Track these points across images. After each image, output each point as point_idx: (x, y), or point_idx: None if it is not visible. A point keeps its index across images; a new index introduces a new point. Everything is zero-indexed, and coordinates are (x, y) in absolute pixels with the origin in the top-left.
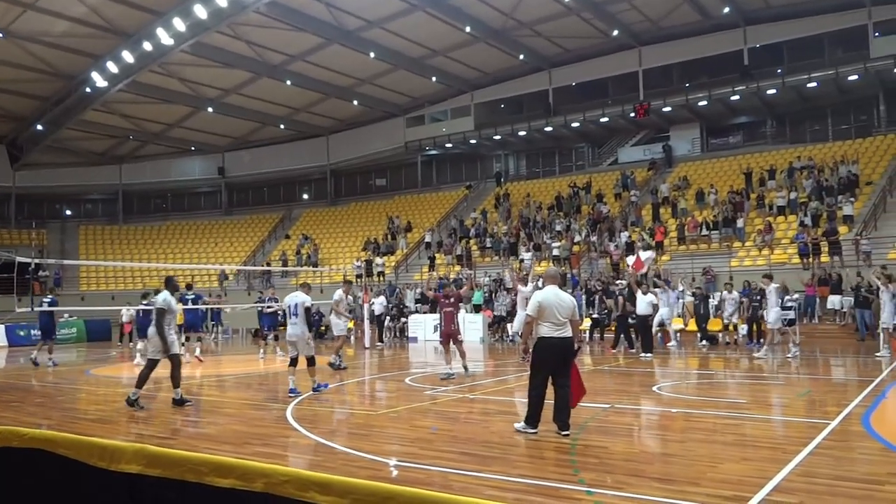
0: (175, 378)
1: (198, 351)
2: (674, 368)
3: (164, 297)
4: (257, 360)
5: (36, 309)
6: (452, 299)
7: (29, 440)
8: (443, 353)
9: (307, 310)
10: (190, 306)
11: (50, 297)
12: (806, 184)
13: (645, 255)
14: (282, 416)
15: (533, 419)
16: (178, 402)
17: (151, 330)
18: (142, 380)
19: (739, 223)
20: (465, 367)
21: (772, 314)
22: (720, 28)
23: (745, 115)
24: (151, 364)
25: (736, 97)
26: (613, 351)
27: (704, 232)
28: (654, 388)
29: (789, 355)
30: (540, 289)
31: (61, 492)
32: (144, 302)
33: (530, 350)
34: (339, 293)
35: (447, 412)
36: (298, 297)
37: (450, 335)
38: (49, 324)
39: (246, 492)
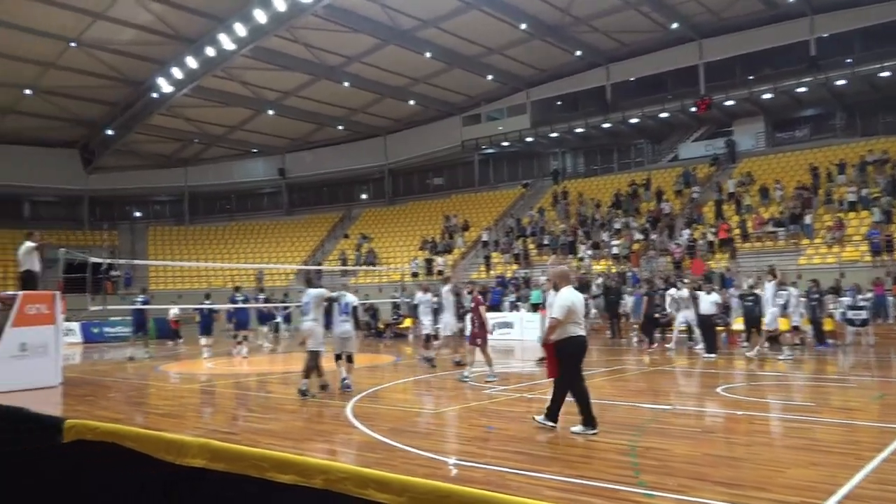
0: (308, 370)
1: (244, 350)
2: (738, 369)
3: (319, 291)
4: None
5: (129, 306)
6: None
7: (101, 434)
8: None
9: (355, 309)
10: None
11: (143, 295)
12: (879, 178)
13: None
14: (342, 412)
15: (590, 418)
16: (303, 393)
17: (310, 324)
18: (308, 371)
19: (807, 219)
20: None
21: (768, 314)
22: (785, 17)
23: (813, 107)
24: (315, 355)
25: (803, 89)
26: (649, 349)
27: (770, 229)
28: (718, 390)
29: (781, 357)
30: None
31: (129, 483)
32: (208, 301)
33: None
34: (446, 289)
35: (505, 411)
36: (348, 297)
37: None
38: (142, 320)
39: (305, 488)
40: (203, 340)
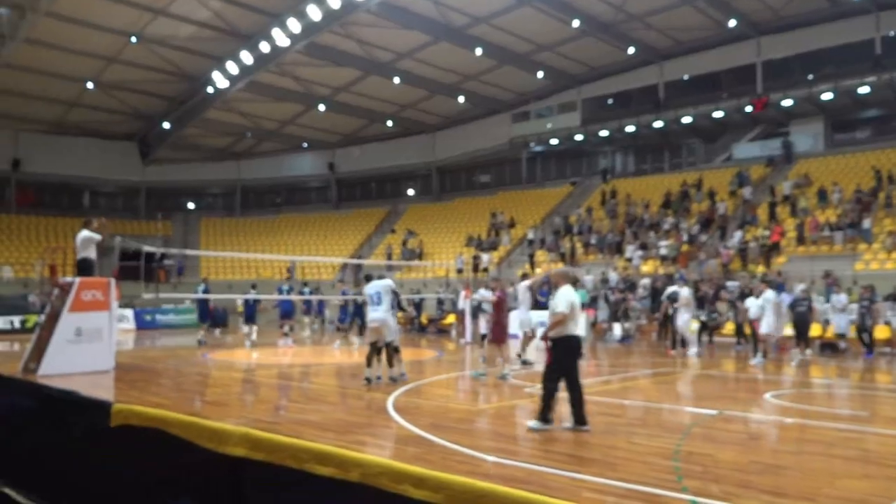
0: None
1: (290, 340)
2: (788, 376)
3: (386, 283)
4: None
5: (184, 295)
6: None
7: (147, 419)
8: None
9: (396, 293)
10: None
11: (203, 285)
12: None
13: None
14: (383, 406)
15: (547, 416)
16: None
17: (383, 315)
18: (376, 359)
19: (866, 224)
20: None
21: (764, 323)
22: (849, 14)
23: (875, 108)
24: (386, 346)
25: (865, 89)
26: (672, 352)
27: (826, 233)
28: (767, 396)
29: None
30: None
31: (173, 469)
32: (254, 291)
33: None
34: (524, 286)
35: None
36: (378, 285)
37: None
38: (205, 308)
39: (343, 480)
40: (245, 329)
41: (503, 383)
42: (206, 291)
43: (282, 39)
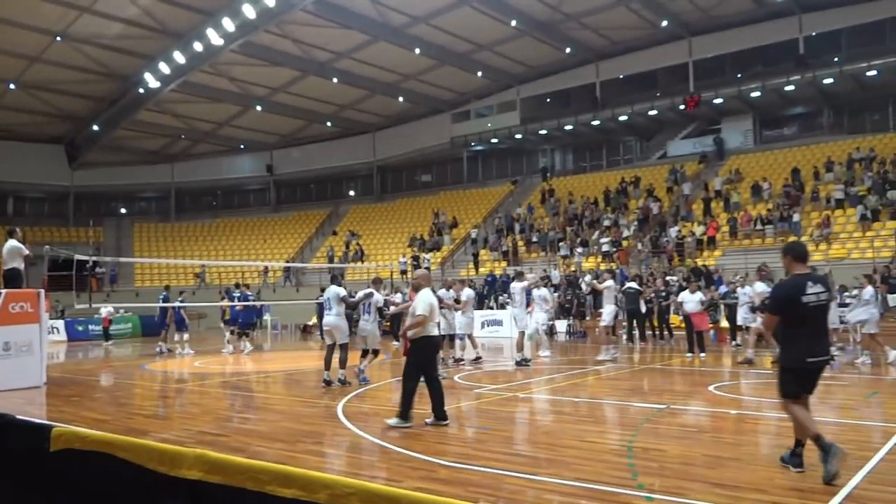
0: (342, 360)
1: (249, 347)
2: (727, 368)
3: (336, 290)
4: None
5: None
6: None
7: (90, 442)
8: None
9: (379, 309)
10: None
11: (164, 293)
12: (866, 176)
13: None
14: (333, 413)
15: (407, 414)
16: (342, 382)
17: (333, 318)
18: (342, 362)
19: (795, 217)
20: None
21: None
22: (775, 16)
23: (801, 105)
24: (344, 348)
25: (791, 87)
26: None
27: (759, 227)
28: (711, 388)
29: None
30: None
31: (122, 495)
32: (180, 299)
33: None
34: (518, 286)
35: (497, 412)
36: (334, 290)
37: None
38: (162, 316)
39: (308, 503)
40: (177, 337)
41: (456, 385)
42: (166, 299)
43: (216, 38)
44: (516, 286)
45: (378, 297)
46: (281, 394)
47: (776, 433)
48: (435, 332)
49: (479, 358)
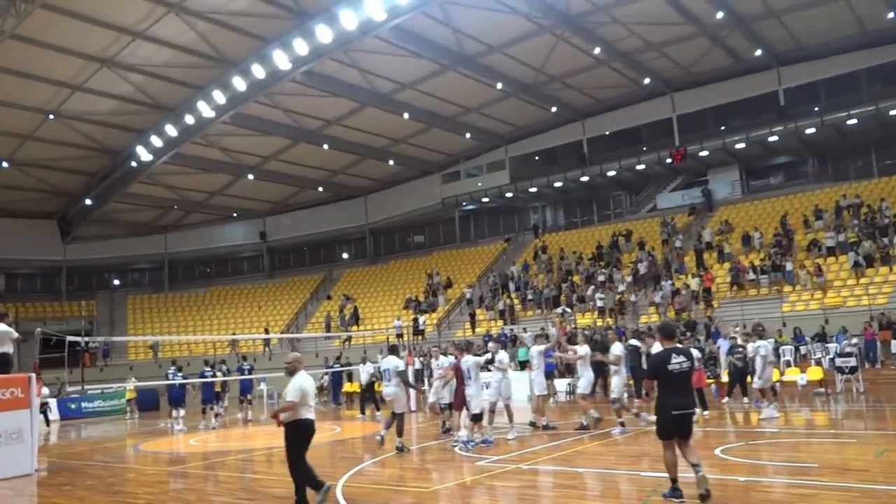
0: (399, 429)
1: (249, 415)
2: (730, 427)
3: (395, 362)
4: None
5: (167, 382)
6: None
7: None
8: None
9: (401, 373)
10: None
11: (173, 368)
12: (854, 223)
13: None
14: (332, 495)
15: (303, 501)
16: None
17: (393, 389)
18: (399, 430)
19: (788, 266)
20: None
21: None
22: (753, 70)
23: (785, 154)
24: (401, 417)
25: (774, 138)
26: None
27: (752, 276)
28: (717, 452)
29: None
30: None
31: None
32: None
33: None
34: (536, 350)
35: (502, 487)
36: (393, 362)
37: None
38: (176, 392)
39: None
40: (174, 413)
41: (457, 457)
42: (175, 375)
43: (207, 111)
44: (535, 349)
45: (398, 363)
46: (281, 474)
47: (788, 502)
48: (309, 415)
49: (533, 424)
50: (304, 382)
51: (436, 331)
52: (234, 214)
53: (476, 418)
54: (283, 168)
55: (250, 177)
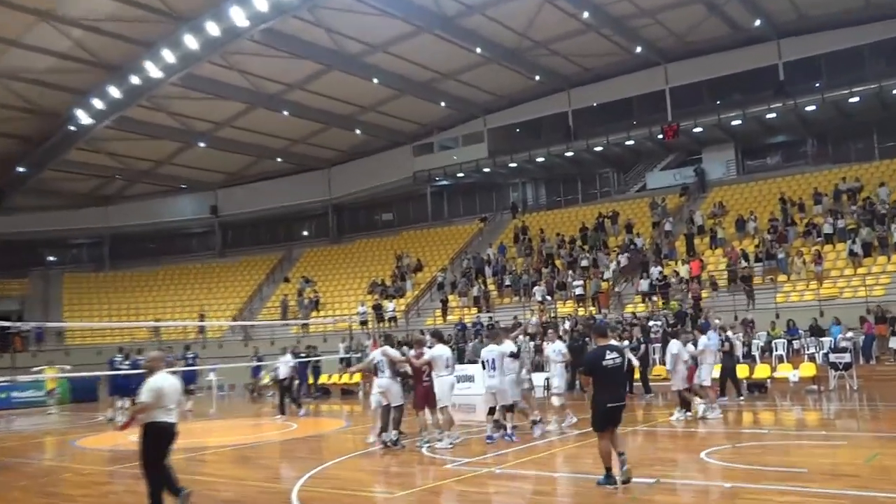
0: (396, 421)
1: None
2: (719, 429)
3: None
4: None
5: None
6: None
7: None
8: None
9: (514, 353)
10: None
11: (120, 355)
12: (852, 208)
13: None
14: (288, 499)
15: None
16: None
17: (386, 381)
18: (396, 423)
19: (781, 255)
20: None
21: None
22: (752, 42)
23: (783, 133)
24: (399, 409)
25: (772, 115)
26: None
27: (744, 264)
28: (703, 455)
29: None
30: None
31: None
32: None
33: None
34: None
35: (473, 493)
36: (496, 349)
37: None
38: (124, 382)
39: None
40: (120, 403)
41: (426, 459)
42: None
43: (155, 71)
44: (496, 350)
45: (395, 353)
46: (229, 476)
47: None
48: (165, 418)
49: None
50: (162, 383)
51: (403, 318)
52: (184, 186)
53: (509, 409)
54: (238, 136)
55: (202, 145)
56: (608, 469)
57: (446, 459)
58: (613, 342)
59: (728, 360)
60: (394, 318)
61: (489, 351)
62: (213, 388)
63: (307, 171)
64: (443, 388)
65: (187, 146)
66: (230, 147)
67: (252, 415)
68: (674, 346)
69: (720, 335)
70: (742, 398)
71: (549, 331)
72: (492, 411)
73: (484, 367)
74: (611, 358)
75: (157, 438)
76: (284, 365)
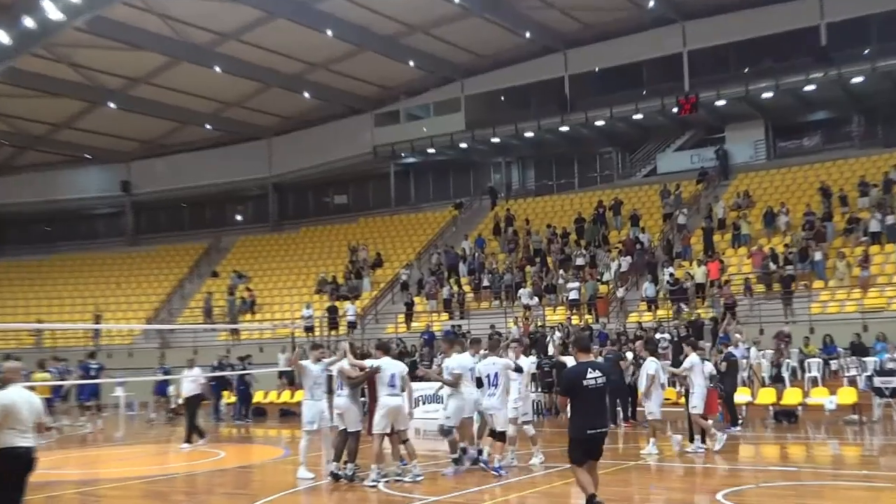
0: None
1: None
2: (739, 464)
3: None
4: None
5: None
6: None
7: None
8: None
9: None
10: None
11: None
12: None
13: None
14: None
15: None
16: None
17: (345, 401)
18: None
19: (817, 256)
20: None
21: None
22: None
23: (824, 110)
24: (356, 436)
25: (811, 87)
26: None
27: (773, 267)
28: (720, 497)
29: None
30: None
31: None
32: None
33: None
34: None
35: None
36: (500, 363)
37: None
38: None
39: None
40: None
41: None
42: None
43: (53, 12)
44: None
45: (402, 367)
46: None
47: None
48: (16, 442)
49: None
50: (14, 398)
51: (359, 324)
52: (88, 156)
53: (500, 437)
54: (157, 95)
55: (112, 105)
56: (592, 497)
57: (407, 497)
58: (600, 358)
59: (729, 382)
60: (353, 325)
61: (490, 364)
62: (120, 405)
63: (243, 142)
64: (381, 411)
65: (94, 107)
66: (147, 109)
67: (167, 439)
68: (651, 365)
69: (744, 352)
70: (737, 429)
71: (514, 343)
72: (494, 434)
73: (480, 385)
74: (592, 377)
75: (4, 466)
76: (190, 381)
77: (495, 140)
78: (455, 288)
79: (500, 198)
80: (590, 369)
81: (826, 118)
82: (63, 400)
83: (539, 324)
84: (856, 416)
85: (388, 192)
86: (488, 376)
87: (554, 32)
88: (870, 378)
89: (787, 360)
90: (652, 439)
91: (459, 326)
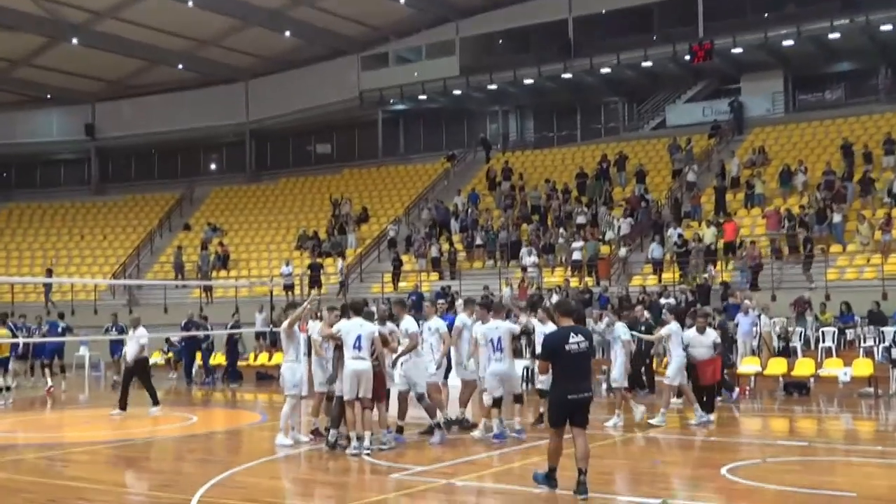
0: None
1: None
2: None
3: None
4: None
5: None
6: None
7: None
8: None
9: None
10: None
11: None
12: None
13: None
14: None
15: None
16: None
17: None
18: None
19: (836, 218)
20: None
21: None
22: None
23: (849, 60)
24: (340, 400)
25: (835, 34)
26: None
27: (789, 229)
28: (724, 472)
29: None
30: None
31: None
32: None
33: None
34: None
35: None
36: (503, 326)
37: None
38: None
39: None
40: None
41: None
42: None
43: None
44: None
45: (372, 329)
46: (105, 481)
47: None
48: None
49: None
50: None
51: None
52: (48, 96)
53: (518, 399)
54: (124, 31)
55: (74, 41)
56: (552, 469)
57: (393, 467)
58: (620, 323)
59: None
60: (343, 284)
61: (493, 328)
62: (85, 366)
63: (218, 85)
64: (345, 376)
65: (55, 42)
66: (113, 46)
67: (138, 402)
68: (620, 328)
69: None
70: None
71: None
72: (497, 403)
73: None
74: (575, 342)
75: None
76: (134, 342)
77: (492, 87)
78: (446, 246)
79: (495, 149)
80: (572, 334)
81: (850, 69)
82: (21, 359)
83: (537, 286)
84: (871, 390)
85: (375, 142)
86: (492, 340)
87: None
88: (888, 349)
89: (799, 329)
90: (662, 409)
91: (450, 287)
